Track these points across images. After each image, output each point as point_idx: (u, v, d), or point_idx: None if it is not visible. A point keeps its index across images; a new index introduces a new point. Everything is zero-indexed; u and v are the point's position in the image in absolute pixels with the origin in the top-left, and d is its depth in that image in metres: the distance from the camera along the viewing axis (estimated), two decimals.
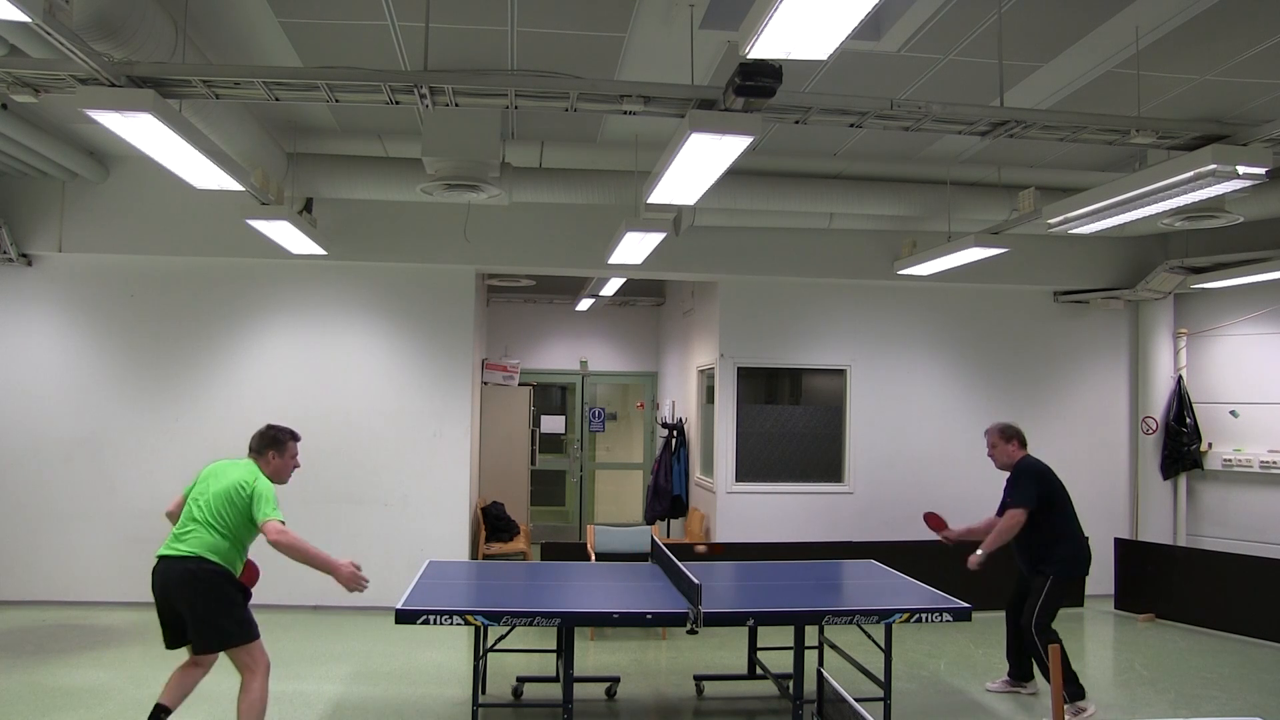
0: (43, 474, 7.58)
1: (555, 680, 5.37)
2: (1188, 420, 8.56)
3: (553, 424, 11.62)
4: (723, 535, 8.22)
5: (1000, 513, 5.60)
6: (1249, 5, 4.32)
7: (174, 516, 4.42)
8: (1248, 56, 4.89)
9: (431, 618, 4.35)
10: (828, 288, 8.56)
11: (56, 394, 7.64)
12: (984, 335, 8.78)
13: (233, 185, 5.28)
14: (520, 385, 10.20)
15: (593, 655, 6.46)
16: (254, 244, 6.79)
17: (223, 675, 5.79)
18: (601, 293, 10.15)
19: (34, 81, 4.05)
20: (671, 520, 9.68)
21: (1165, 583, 7.76)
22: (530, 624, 4.49)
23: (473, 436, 8.22)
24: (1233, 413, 8.54)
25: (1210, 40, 4.72)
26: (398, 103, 4.31)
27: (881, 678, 4.92)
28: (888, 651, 4.92)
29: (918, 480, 8.48)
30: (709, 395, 9.04)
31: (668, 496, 9.34)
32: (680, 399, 10.10)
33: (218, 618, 4.16)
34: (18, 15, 3.04)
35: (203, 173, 4.98)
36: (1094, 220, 5.46)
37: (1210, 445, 8.59)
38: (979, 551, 5.33)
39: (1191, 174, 4.47)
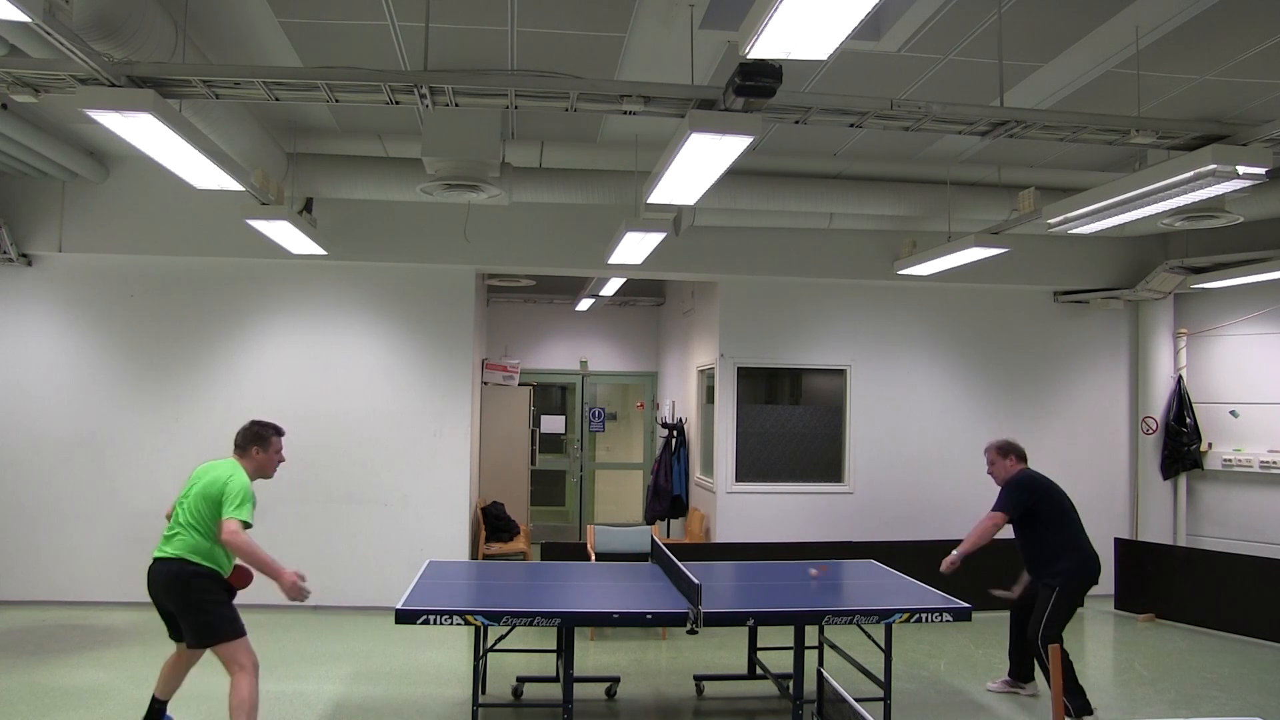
0: (43, 474, 7.59)
1: (555, 680, 5.37)
2: (1188, 420, 8.56)
3: (553, 424, 11.62)
4: (723, 535, 8.22)
5: (1013, 525, 5.58)
6: (1249, 5, 4.32)
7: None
8: (1248, 56, 4.89)
9: (431, 618, 4.35)
10: (828, 288, 8.56)
11: (56, 394, 7.64)
12: (984, 335, 8.78)
13: (233, 185, 5.28)
14: (520, 385, 10.21)
15: (593, 655, 6.46)
16: (254, 244, 6.79)
17: (221, 675, 5.79)
18: (601, 293, 10.15)
19: (34, 81, 4.05)
20: (671, 520, 9.68)
21: (1165, 583, 7.76)
22: (530, 624, 4.50)
23: (473, 436, 8.22)
24: (1233, 413, 8.55)
25: (1210, 40, 4.72)
26: (398, 103, 4.31)
27: (881, 678, 4.92)
28: (888, 651, 4.92)
29: (918, 480, 8.48)
30: (709, 395, 9.04)
31: (668, 496, 9.34)
32: (680, 399, 10.10)
33: (201, 616, 4.24)
34: (18, 15, 3.04)
35: (203, 173, 4.98)
36: (1094, 220, 5.46)
37: (1210, 445, 8.59)
38: (954, 553, 5.30)
39: (1191, 174, 4.47)
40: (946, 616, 4.67)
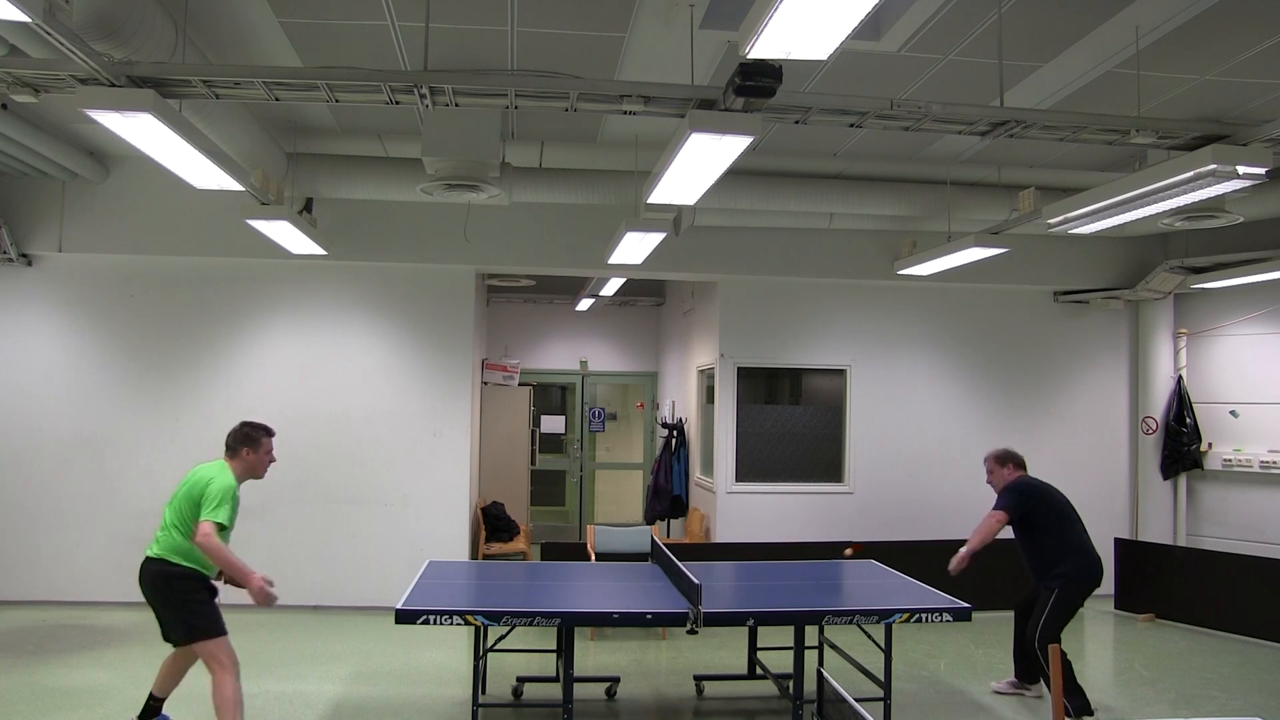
0: (43, 474, 7.59)
1: (555, 680, 5.37)
2: (1188, 420, 8.56)
3: (553, 424, 11.62)
4: (723, 535, 8.22)
5: (1014, 529, 5.58)
6: (1249, 5, 4.32)
7: None
8: (1248, 56, 4.89)
9: (431, 618, 4.36)
10: (828, 288, 8.56)
11: (56, 394, 7.64)
12: (984, 335, 8.78)
13: (233, 185, 5.28)
14: (520, 385, 10.20)
15: (593, 655, 6.46)
16: (254, 244, 6.79)
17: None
18: (601, 293, 10.15)
19: (34, 81, 4.05)
20: (671, 520, 9.68)
21: (1165, 583, 7.76)
22: (530, 624, 4.49)
23: (473, 436, 8.22)
24: (1233, 413, 8.55)
25: (1210, 40, 4.72)
26: (398, 103, 4.31)
27: (881, 678, 4.92)
28: (888, 651, 4.92)
29: (918, 480, 8.49)
30: (709, 395, 9.04)
31: (668, 496, 9.34)
32: (680, 399, 10.10)
33: (181, 614, 4.31)
34: (18, 15, 3.04)
35: (203, 173, 4.98)
36: (1094, 220, 5.46)
37: (1210, 445, 8.59)
38: (962, 550, 5.28)
39: (1191, 174, 4.47)
40: (946, 616, 4.66)
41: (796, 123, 4.53)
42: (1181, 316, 8.84)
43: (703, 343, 9.13)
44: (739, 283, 8.43)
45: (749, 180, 7.01)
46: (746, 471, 8.40)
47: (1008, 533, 5.72)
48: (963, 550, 5.28)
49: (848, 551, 5.70)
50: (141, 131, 4.20)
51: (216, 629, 4.30)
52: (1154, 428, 8.70)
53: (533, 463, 10.31)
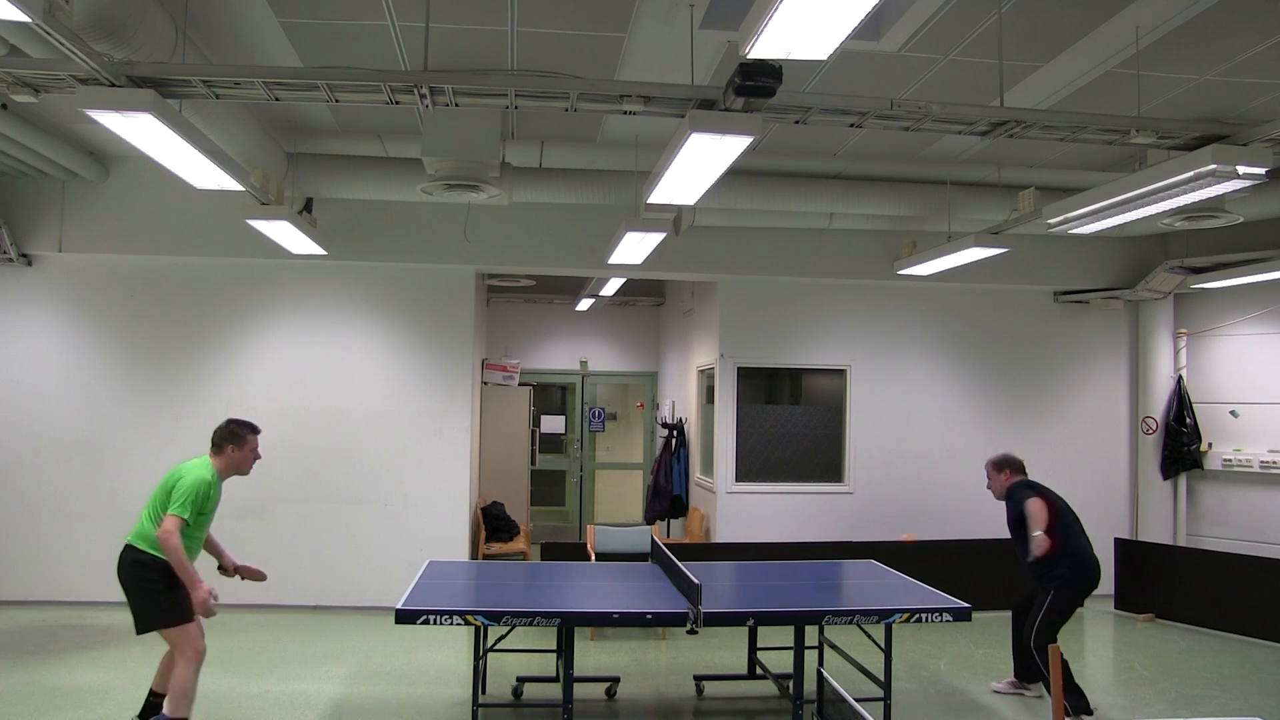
0: (43, 474, 7.59)
1: (555, 680, 5.37)
2: (1188, 420, 8.56)
3: (553, 424, 11.62)
4: (723, 535, 8.23)
5: (1011, 531, 5.57)
6: (1249, 5, 4.32)
7: None
8: (1248, 56, 4.89)
9: (431, 618, 4.36)
10: (828, 288, 8.56)
11: (56, 394, 7.64)
12: (984, 335, 8.78)
13: (233, 185, 5.28)
14: (520, 385, 10.21)
15: (593, 655, 6.46)
16: (254, 244, 6.79)
17: (220, 675, 5.81)
18: (601, 293, 10.15)
19: (34, 81, 4.05)
20: (671, 520, 9.68)
21: (1165, 583, 7.76)
22: (530, 624, 4.50)
23: (473, 436, 8.22)
24: (1233, 413, 8.55)
25: (1210, 40, 4.72)
26: (398, 103, 4.31)
27: (881, 678, 4.92)
28: (888, 651, 4.92)
29: (918, 480, 8.48)
30: (709, 395, 9.04)
31: (668, 496, 9.34)
32: (680, 399, 10.11)
33: (136, 600, 4.38)
34: (18, 15, 3.04)
35: (203, 173, 4.98)
36: (1094, 220, 5.46)
37: (1210, 445, 8.59)
38: (1039, 534, 5.19)
39: (1191, 174, 4.47)
40: (946, 616, 4.66)
41: (796, 123, 4.53)
42: (1181, 316, 8.84)
43: (703, 343, 9.13)
44: (739, 283, 8.43)
45: (749, 180, 7.01)
46: (746, 471, 8.40)
47: (1006, 532, 5.73)
48: (1039, 535, 5.19)
49: (905, 537, 5.71)
50: (141, 131, 4.20)
51: (173, 618, 4.34)
52: (1154, 428, 8.70)
53: (533, 463, 10.31)
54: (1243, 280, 7.62)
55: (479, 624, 4.44)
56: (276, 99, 4.26)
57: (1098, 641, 7.37)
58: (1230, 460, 8.47)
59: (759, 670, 5.70)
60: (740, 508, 8.31)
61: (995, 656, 6.39)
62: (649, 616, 4.82)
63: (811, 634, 5.10)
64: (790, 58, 3.16)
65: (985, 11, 4.43)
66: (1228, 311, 8.62)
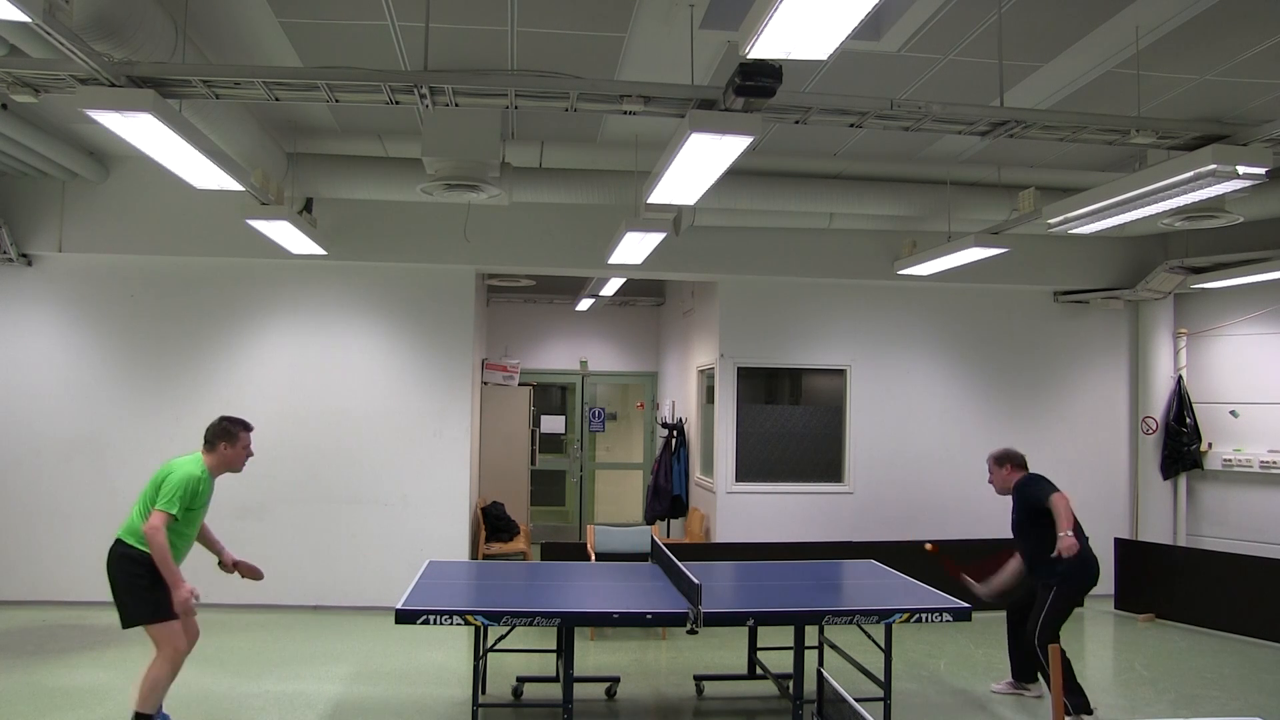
0: (43, 474, 7.59)
1: (555, 680, 5.37)
2: (1188, 420, 8.56)
3: (553, 424, 11.62)
4: (723, 535, 8.22)
5: (1015, 532, 5.57)
6: (1249, 5, 4.32)
7: None
8: (1248, 56, 4.89)
9: (431, 618, 4.36)
10: (828, 288, 8.56)
11: (56, 394, 7.64)
12: (984, 335, 8.78)
13: (233, 185, 5.28)
14: (520, 385, 10.21)
15: (593, 655, 6.46)
16: (254, 244, 6.79)
17: (220, 675, 5.81)
18: (601, 293, 10.15)
19: (34, 81, 4.05)
20: (671, 520, 9.68)
21: (1165, 583, 7.76)
22: (530, 624, 4.50)
23: (473, 436, 8.22)
24: (1233, 413, 8.55)
25: (1210, 40, 4.72)
26: (398, 103, 4.31)
27: (881, 678, 4.92)
28: (888, 651, 4.91)
29: (918, 480, 8.48)
30: (709, 395, 9.04)
31: (668, 496, 9.34)
32: (680, 399, 10.11)
33: (119, 595, 4.42)
34: (18, 15, 3.04)
35: (203, 173, 4.98)
36: (1094, 220, 5.46)
37: (1210, 445, 8.59)
38: (1062, 533, 5.14)
39: (1191, 174, 4.47)
40: (946, 616, 4.66)
41: (796, 123, 4.53)
42: (1181, 316, 8.84)
43: (703, 343, 9.13)
44: (739, 283, 8.43)
45: (749, 180, 7.01)
46: (746, 471, 8.39)
47: (1007, 531, 5.72)
48: (1067, 536, 5.15)
49: (929, 547, 5.71)
50: (141, 131, 4.20)
51: (155, 615, 4.35)
52: (1154, 428, 8.70)
53: (533, 463, 10.31)
54: (1243, 280, 7.62)
55: (479, 624, 4.44)
56: (276, 99, 4.26)
57: (1098, 641, 7.37)
58: (1230, 460, 8.47)
59: (759, 670, 5.70)
60: (740, 508, 8.31)
61: (995, 656, 6.39)
62: (649, 616, 4.82)
63: (811, 634, 5.10)
64: (790, 58, 3.16)
65: (985, 11, 4.43)
66: (1228, 311, 8.62)
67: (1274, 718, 5.39)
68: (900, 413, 8.58)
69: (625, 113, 4.39)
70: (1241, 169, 4.36)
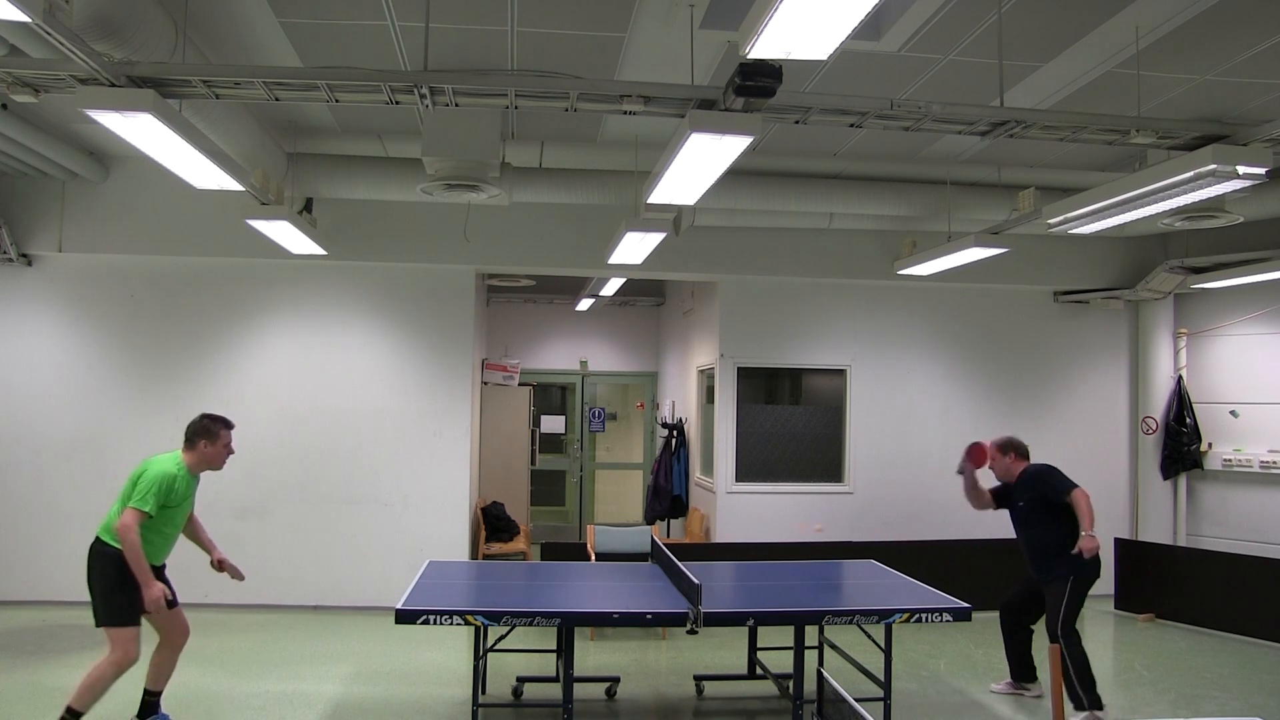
0: (43, 474, 7.58)
1: (555, 680, 5.37)
2: (1188, 420, 8.56)
3: (553, 424, 11.62)
4: (723, 535, 8.22)
5: (1019, 524, 5.56)
6: (1249, 5, 4.32)
7: None
8: (1248, 56, 4.89)
9: (431, 618, 4.35)
10: (828, 288, 8.56)
11: (56, 394, 7.64)
12: (984, 335, 8.78)
13: (233, 185, 5.28)
14: (520, 385, 10.20)
15: (593, 655, 6.46)
16: (254, 244, 6.79)
17: (220, 675, 5.81)
18: (601, 293, 10.15)
19: (34, 81, 4.05)
20: (671, 520, 9.68)
21: (1165, 583, 7.76)
22: (530, 624, 4.50)
23: (473, 436, 8.22)
24: (1233, 413, 8.55)
25: (1210, 40, 4.72)
26: (398, 103, 4.31)
27: (881, 678, 4.92)
28: (888, 651, 4.92)
29: (918, 480, 8.48)
30: (709, 395, 9.04)
31: (668, 496, 9.34)
32: (680, 399, 10.10)
33: (95, 595, 4.40)
34: (18, 15, 3.04)
35: (203, 173, 4.98)
36: (1094, 220, 5.46)
37: (1210, 445, 8.59)
38: (1086, 532, 5.14)
39: (1191, 174, 4.47)
40: (946, 616, 4.67)
41: (796, 123, 4.53)
42: (1181, 316, 8.84)
43: (703, 343, 9.13)
44: (739, 283, 8.43)
45: (749, 180, 7.01)
46: (746, 471, 8.39)
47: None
48: (1091, 536, 5.14)
49: (817, 528, 5.77)
50: (141, 131, 4.20)
51: (124, 619, 4.34)
52: (1154, 428, 8.70)
53: (533, 463, 10.30)
54: (1243, 280, 7.62)
55: (479, 624, 4.44)
56: (276, 99, 4.26)
57: (1098, 641, 7.36)
58: (1230, 460, 8.47)
59: (759, 670, 5.70)
60: (740, 508, 8.31)
61: (995, 656, 6.39)
62: (649, 616, 4.82)
63: (811, 634, 5.10)
64: (790, 58, 3.16)
65: (985, 11, 4.43)
66: (1228, 311, 8.62)
67: (1274, 718, 5.40)
68: (900, 413, 8.58)
69: (625, 113, 4.39)
70: (1241, 169, 4.36)
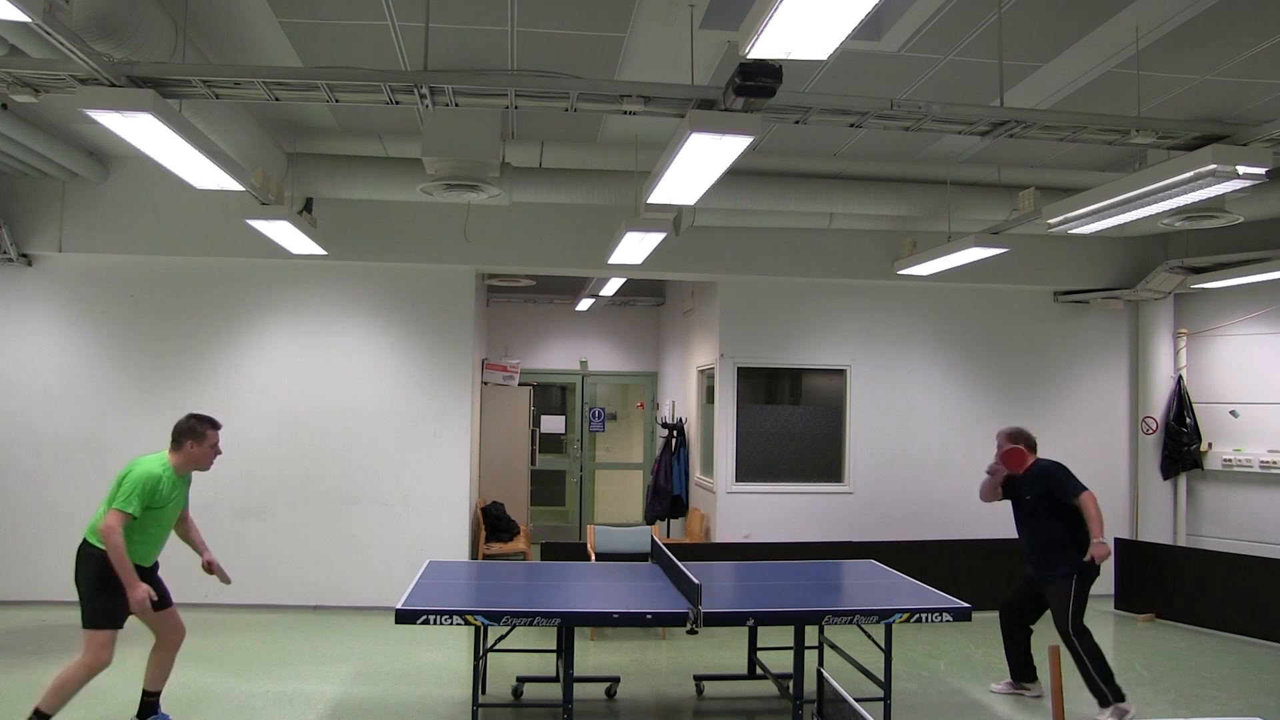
0: (43, 474, 7.58)
1: (555, 680, 5.37)
2: (1188, 420, 8.56)
3: (553, 424, 11.62)
4: (723, 535, 8.22)
5: (1023, 518, 5.57)
6: (1249, 5, 4.32)
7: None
8: (1248, 56, 4.89)
9: (431, 618, 4.35)
10: (828, 288, 8.56)
11: (56, 394, 7.64)
12: (984, 335, 8.78)
13: (233, 185, 5.28)
14: (520, 385, 10.21)
15: (593, 655, 6.46)
16: (254, 244, 6.79)
17: (220, 675, 5.81)
18: (601, 293, 10.15)
19: (34, 81, 4.05)
20: (671, 520, 9.68)
21: (1165, 583, 7.76)
22: (530, 624, 4.50)
23: (473, 436, 8.22)
24: (1233, 413, 8.54)
25: (1210, 40, 4.72)
26: (398, 103, 4.31)
27: (881, 678, 4.92)
28: (888, 651, 4.92)
29: (918, 480, 8.48)
30: (709, 395, 9.04)
31: (668, 496, 9.34)
32: (680, 399, 10.10)
33: (81, 596, 4.36)
34: (18, 15, 3.04)
35: (203, 173, 4.98)
36: (1094, 220, 5.46)
37: (1210, 445, 8.59)
38: (1097, 539, 5.18)
39: (1191, 174, 4.47)
40: (946, 616, 4.66)
41: (796, 123, 4.53)
42: (1181, 316, 8.84)
43: (703, 343, 9.13)
44: (739, 283, 8.43)
45: (749, 180, 7.01)
46: (746, 471, 8.39)
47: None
48: (1102, 540, 5.18)
49: (746, 535, 5.86)
50: (141, 131, 4.20)
51: (101, 622, 4.30)
52: (1154, 428, 8.70)
53: (533, 463, 10.31)
54: (1243, 280, 7.62)
55: (479, 624, 4.44)
56: (276, 99, 4.26)
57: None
58: (1230, 460, 8.47)
59: (759, 670, 5.70)
60: (740, 508, 8.31)
61: (995, 656, 6.38)
62: (649, 616, 4.82)
63: (811, 634, 5.10)
64: (790, 58, 3.16)
65: (985, 11, 4.43)
66: (1228, 311, 8.62)
67: (1274, 718, 5.39)
68: (900, 413, 8.58)
69: (625, 113, 4.39)
70: (1241, 169, 4.35)
